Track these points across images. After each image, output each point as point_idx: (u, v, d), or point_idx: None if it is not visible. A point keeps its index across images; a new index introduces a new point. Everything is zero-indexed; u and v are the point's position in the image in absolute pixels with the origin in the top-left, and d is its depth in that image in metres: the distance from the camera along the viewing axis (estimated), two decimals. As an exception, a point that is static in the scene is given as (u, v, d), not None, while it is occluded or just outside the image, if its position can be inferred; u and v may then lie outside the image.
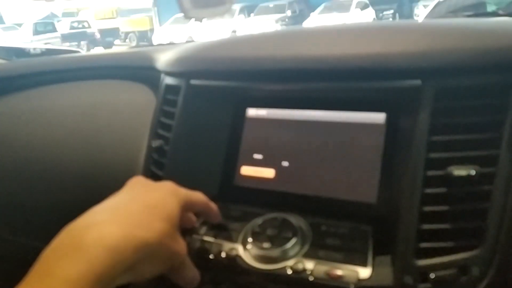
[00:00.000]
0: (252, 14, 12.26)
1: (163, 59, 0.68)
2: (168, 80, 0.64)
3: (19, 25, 14.34)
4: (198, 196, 0.48)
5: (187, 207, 0.45)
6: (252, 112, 0.63)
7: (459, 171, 0.42)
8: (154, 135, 0.64)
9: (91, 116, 0.75)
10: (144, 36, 13.78)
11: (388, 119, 0.54)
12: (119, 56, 0.89)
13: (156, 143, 0.60)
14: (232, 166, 0.62)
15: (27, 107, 0.80)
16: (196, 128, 0.60)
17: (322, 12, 10.92)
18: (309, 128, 0.59)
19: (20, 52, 1.08)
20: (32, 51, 1.08)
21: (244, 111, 0.63)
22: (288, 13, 11.75)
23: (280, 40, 0.57)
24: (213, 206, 0.50)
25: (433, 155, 0.44)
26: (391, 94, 0.50)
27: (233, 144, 0.63)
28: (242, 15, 12.12)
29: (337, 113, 0.57)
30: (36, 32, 13.01)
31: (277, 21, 11.33)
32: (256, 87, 0.56)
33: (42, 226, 0.71)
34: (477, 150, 0.43)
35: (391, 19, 12.09)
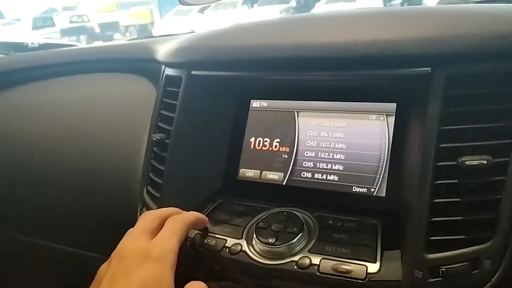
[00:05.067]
0: (255, 5, 12.17)
1: (163, 50, 0.67)
2: (169, 71, 0.62)
3: (19, 20, 14.28)
4: (185, 221, 0.44)
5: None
6: (256, 104, 0.62)
7: (471, 161, 0.40)
8: (155, 128, 0.62)
9: (90, 110, 0.74)
10: (144, 30, 13.66)
11: (397, 109, 0.52)
12: (118, 49, 0.87)
13: (157, 136, 0.58)
14: (235, 159, 0.61)
15: (25, 102, 0.79)
16: (198, 120, 0.59)
17: (328, 2, 10.79)
18: (315, 120, 0.57)
19: (18, 46, 1.07)
20: (30, 44, 1.06)
21: (248, 103, 0.62)
22: (293, 3, 11.65)
23: (284, 27, 0.55)
24: (199, 217, 0.48)
25: (444, 145, 0.42)
26: (400, 83, 0.48)
27: (236, 137, 0.62)
28: (245, 6, 12.04)
29: (345, 104, 0.56)
30: (35, 27, 12.94)
31: (281, 12, 11.21)
32: (259, 77, 0.54)
33: (40, 222, 0.71)
34: (489, 140, 0.42)
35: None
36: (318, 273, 0.44)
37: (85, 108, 0.74)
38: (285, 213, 0.51)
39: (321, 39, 0.47)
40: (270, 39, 0.52)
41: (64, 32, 12.95)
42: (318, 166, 0.56)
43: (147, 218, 0.44)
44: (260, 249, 0.47)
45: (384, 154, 0.52)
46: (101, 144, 0.70)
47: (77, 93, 0.78)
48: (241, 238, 0.50)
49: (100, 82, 0.80)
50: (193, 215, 0.47)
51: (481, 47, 0.42)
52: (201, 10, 12.19)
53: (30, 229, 0.73)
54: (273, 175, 0.58)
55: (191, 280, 0.52)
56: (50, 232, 0.71)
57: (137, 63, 0.78)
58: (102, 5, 16.52)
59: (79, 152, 0.70)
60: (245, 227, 0.51)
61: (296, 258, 0.45)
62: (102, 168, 0.68)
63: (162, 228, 0.43)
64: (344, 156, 0.54)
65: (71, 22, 13.92)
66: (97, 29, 14.09)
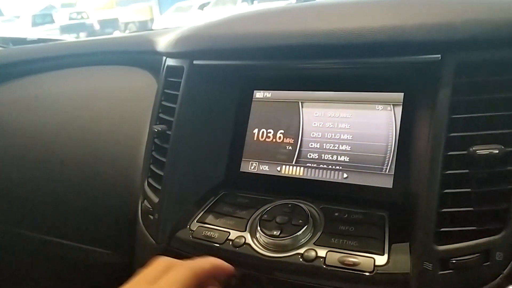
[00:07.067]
0: (255, 2, 12.13)
1: (164, 41, 0.66)
2: (170, 62, 0.61)
3: (18, 17, 14.25)
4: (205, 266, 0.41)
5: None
6: (259, 94, 0.61)
7: (482, 151, 0.39)
8: (156, 119, 0.61)
9: (90, 103, 0.73)
10: (144, 26, 13.58)
11: (405, 99, 0.51)
12: (118, 41, 0.86)
13: (158, 127, 0.57)
14: (238, 151, 0.60)
15: (24, 95, 0.78)
16: (200, 111, 0.57)
17: (328, -3, 10.75)
18: (320, 110, 0.56)
19: (16, 40, 1.06)
20: (28, 38, 1.05)
21: (251, 94, 0.61)
22: (292, 0, 11.63)
23: (288, 14, 0.53)
24: (218, 264, 0.43)
25: (454, 134, 0.41)
26: (408, 71, 0.47)
27: (239, 128, 0.61)
28: (245, 3, 11.99)
29: (351, 94, 0.55)
30: (35, 24, 12.90)
31: (280, 10, 11.20)
32: (263, 66, 0.53)
33: (40, 216, 0.69)
34: (501, 128, 0.41)
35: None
36: (324, 266, 0.43)
37: (85, 101, 0.73)
38: (289, 205, 0.50)
39: (327, 25, 0.46)
40: (275, 26, 0.50)
41: (64, 29, 12.91)
42: (323, 158, 0.54)
43: (153, 264, 0.40)
44: (265, 242, 0.46)
45: (391, 145, 0.51)
46: (101, 137, 0.69)
47: (77, 86, 0.77)
48: (245, 230, 0.49)
49: (100, 74, 0.79)
50: (207, 262, 0.41)
51: (493, 33, 0.41)
52: (201, 7, 12.15)
53: (29, 223, 0.72)
54: (278, 167, 0.57)
55: None
56: (49, 225, 0.70)
57: (137, 55, 0.77)
58: (102, 2, 16.49)
59: (79, 145, 0.68)
60: (249, 220, 0.50)
61: (301, 250, 0.44)
62: (102, 160, 0.67)
63: (164, 276, 0.38)
64: (350, 147, 0.53)
65: (70, 19, 13.87)
66: (97, 26, 14.04)
